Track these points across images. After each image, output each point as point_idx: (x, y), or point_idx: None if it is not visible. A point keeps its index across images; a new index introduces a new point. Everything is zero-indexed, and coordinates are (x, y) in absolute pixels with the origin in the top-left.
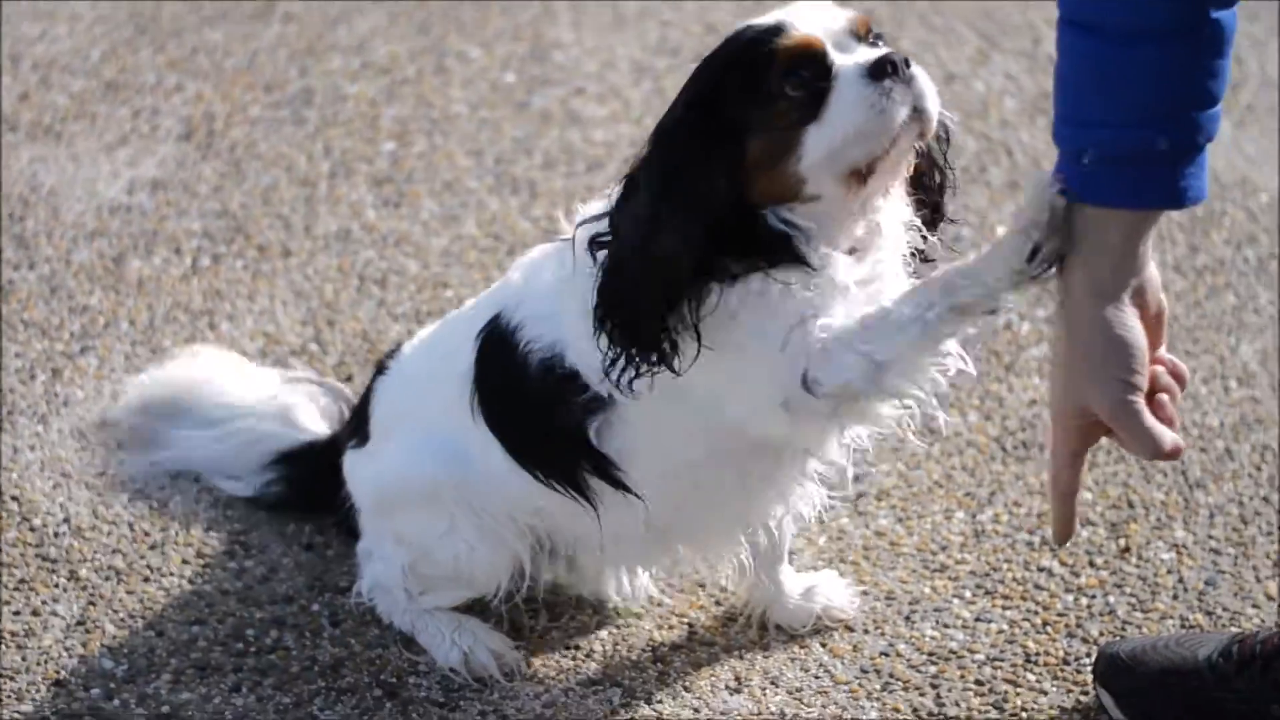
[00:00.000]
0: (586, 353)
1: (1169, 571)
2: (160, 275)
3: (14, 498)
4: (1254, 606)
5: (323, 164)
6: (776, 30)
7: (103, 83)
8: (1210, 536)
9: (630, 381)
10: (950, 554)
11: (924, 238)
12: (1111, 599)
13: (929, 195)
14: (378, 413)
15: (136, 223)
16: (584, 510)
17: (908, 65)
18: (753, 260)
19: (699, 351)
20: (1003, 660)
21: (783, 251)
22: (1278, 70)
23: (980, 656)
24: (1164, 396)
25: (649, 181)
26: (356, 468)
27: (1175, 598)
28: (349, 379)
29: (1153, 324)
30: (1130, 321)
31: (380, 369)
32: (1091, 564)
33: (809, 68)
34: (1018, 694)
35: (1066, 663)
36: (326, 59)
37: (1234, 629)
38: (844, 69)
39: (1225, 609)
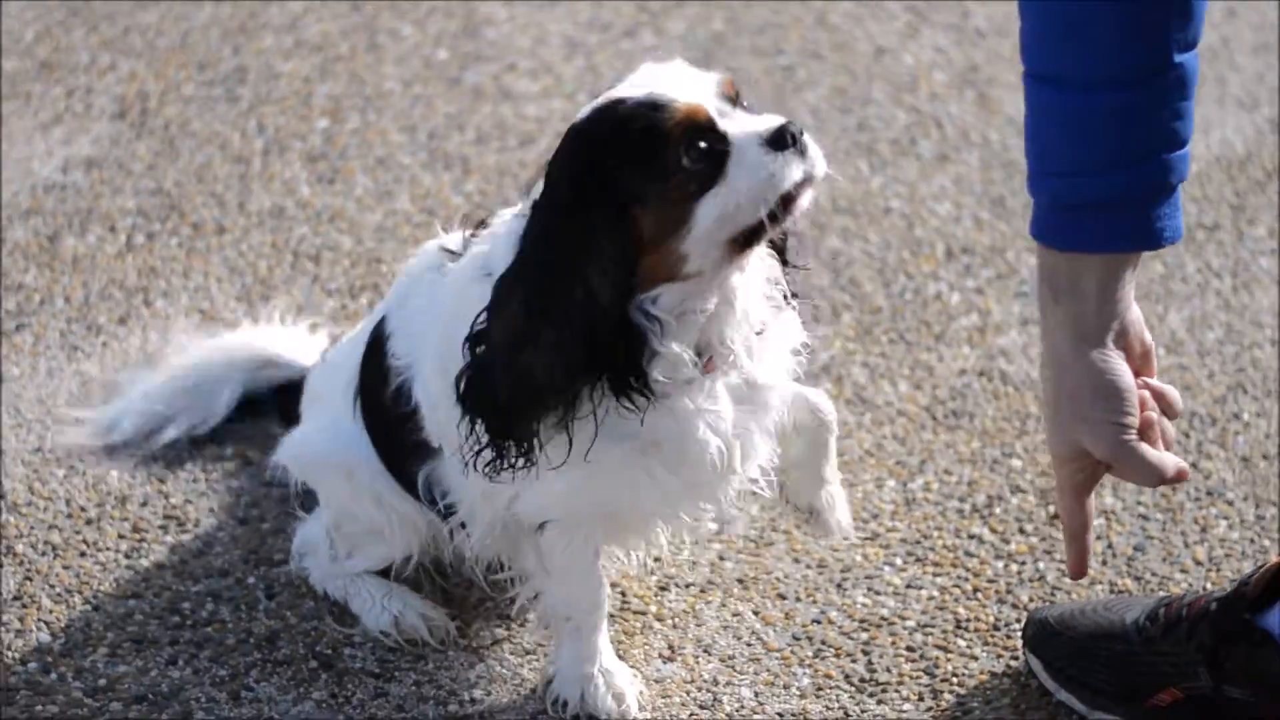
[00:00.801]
0: (428, 401)
1: (1098, 538)
2: (95, 253)
3: None
4: (1182, 571)
5: (256, 141)
6: (661, 104)
7: (36, 62)
8: (1139, 503)
9: (490, 469)
10: (881, 522)
11: (784, 289)
12: (1041, 565)
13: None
14: (305, 390)
15: (71, 201)
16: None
17: (802, 134)
18: (599, 375)
19: (570, 451)
20: (933, 626)
21: (633, 357)
22: (1213, 42)
23: (911, 623)
24: (1155, 417)
25: (525, 284)
26: (287, 438)
27: (1104, 563)
28: None
29: (1139, 361)
30: (1116, 365)
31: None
32: (1021, 531)
33: (705, 139)
34: (948, 659)
35: (997, 628)
36: (259, 37)
37: (1161, 593)
38: (740, 138)
39: (1154, 574)
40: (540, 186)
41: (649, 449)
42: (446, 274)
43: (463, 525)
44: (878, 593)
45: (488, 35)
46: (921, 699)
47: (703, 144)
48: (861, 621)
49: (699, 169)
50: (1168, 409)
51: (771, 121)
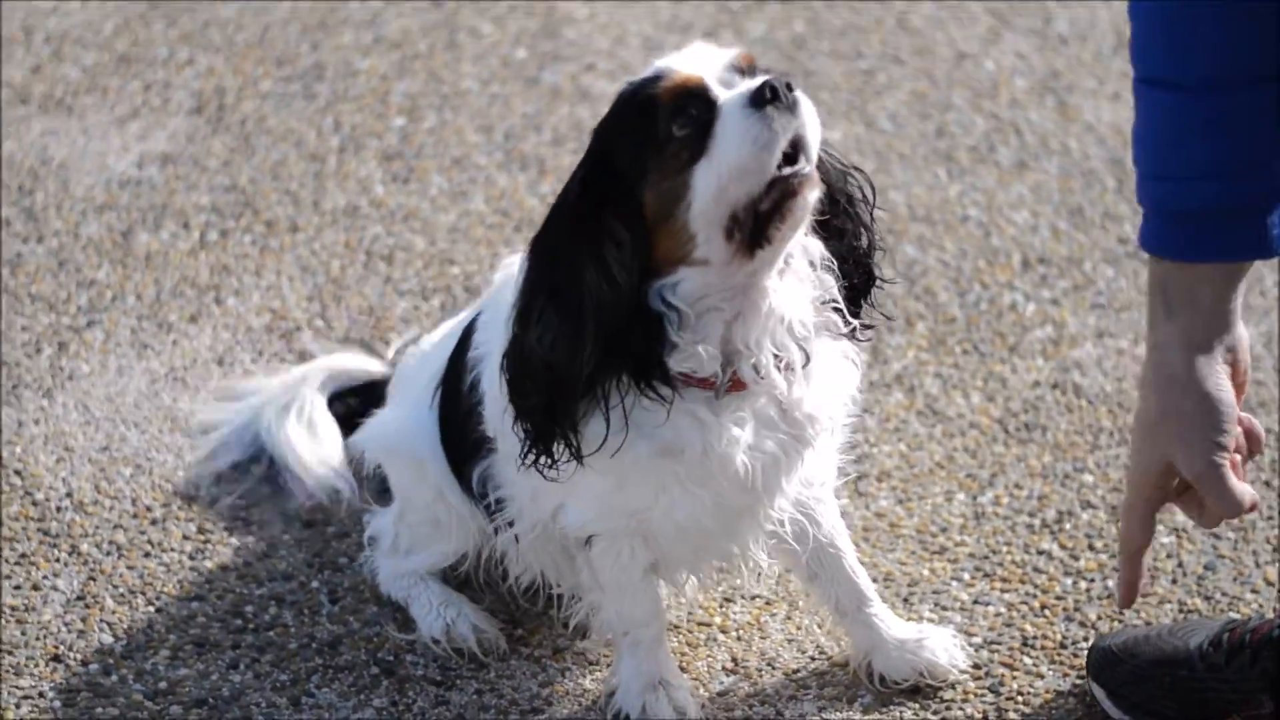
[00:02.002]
0: (490, 391)
1: (1169, 556)
2: (168, 250)
3: (17, 472)
4: (1253, 592)
5: (332, 139)
6: (658, 76)
7: (115, 56)
8: None
9: (545, 467)
10: (950, 536)
11: (843, 315)
12: (1111, 582)
13: (853, 261)
14: (394, 377)
15: (145, 196)
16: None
17: (790, 90)
18: (623, 365)
19: (602, 444)
20: (1000, 643)
21: (650, 345)
22: None
23: (978, 639)
24: (1236, 456)
25: (540, 265)
26: (369, 420)
27: (1174, 582)
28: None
29: (1238, 383)
30: (1223, 380)
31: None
32: (1091, 547)
33: (695, 105)
34: (1014, 677)
35: (1064, 646)
36: (338, 34)
37: (1227, 616)
38: (727, 100)
39: (1224, 594)
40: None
41: (673, 453)
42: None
43: (510, 525)
44: (944, 608)
45: (567, 35)
46: (986, 717)
47: (692, 110)
48: (930, 615)
49: (688, 135)
50: (1252, 442)
51: (757, 80)
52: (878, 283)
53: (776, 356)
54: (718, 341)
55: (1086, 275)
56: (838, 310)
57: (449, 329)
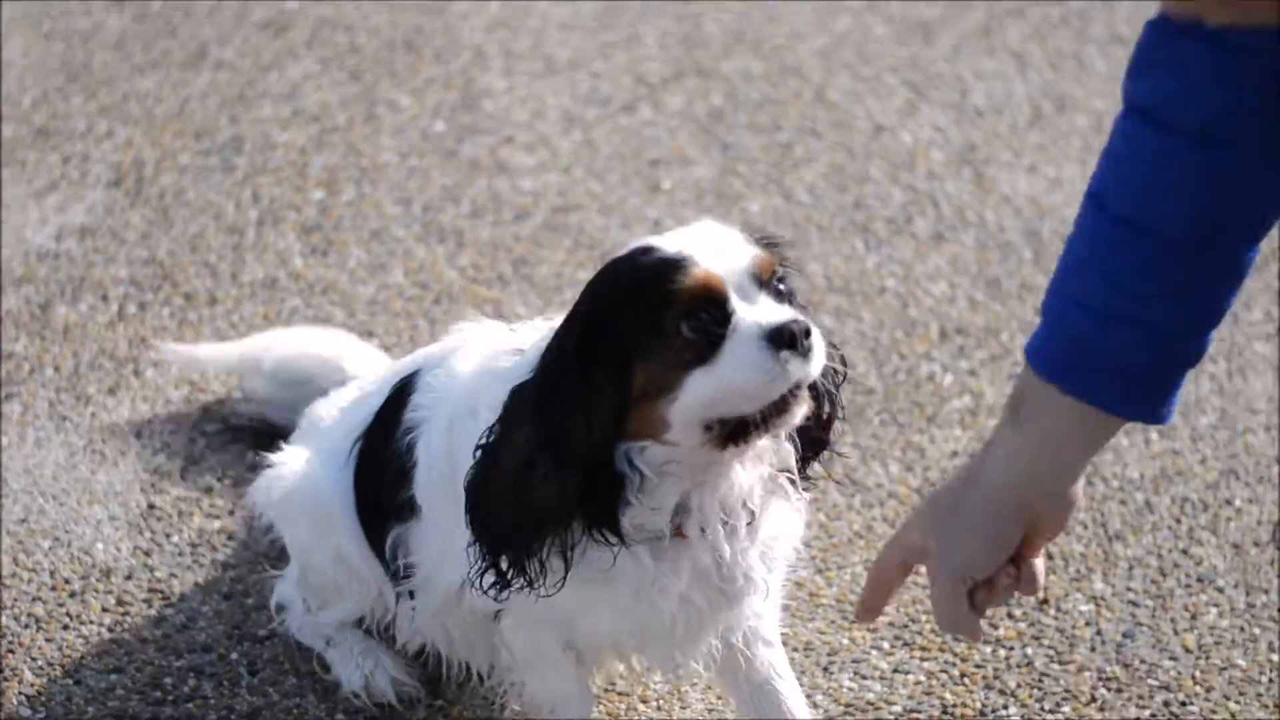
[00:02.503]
0: (426, 458)
1: (1087, 624)
2: (86, 322)
3: None
4: (1171, 659)
5: (250, 211)
6: (680, 264)
7: (33, 129)
8: (1129, 589)
9: (495, 592)
10: None
11: (794, 477)
12: (1029, 650)
13: (812, 430)
14: (303, 425)
15: (64, 269)
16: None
17: (808, 336)
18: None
19: (565, 578)
20: (920, 712)
21: (608, 501)
22: None
23: (898, 708)
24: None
25: (534, 410)
26: (267, 471)
27: (1093, 649)
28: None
29: (1042, 533)
30: (1014, 534)
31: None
32: (1010, 616)
33: (710, 311)
34: None
35: (984, 714)
36: (256, 106)
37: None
38: (743, 323)
39: (1143, 661)
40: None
41: (607, 584)
42: (491, 358)
43: (411, 595)
44: (864, 677)
45: (485, 108)
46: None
47: (706, 316)
48: (847, 706)
49: (696, 340)
50: (1026, 588)
51: (780, 315)
52: (830, 453)
53: (724, 520)
54: (672, 504)
55: (1004, 345)
56: (791, 480)
57: (373, 381)
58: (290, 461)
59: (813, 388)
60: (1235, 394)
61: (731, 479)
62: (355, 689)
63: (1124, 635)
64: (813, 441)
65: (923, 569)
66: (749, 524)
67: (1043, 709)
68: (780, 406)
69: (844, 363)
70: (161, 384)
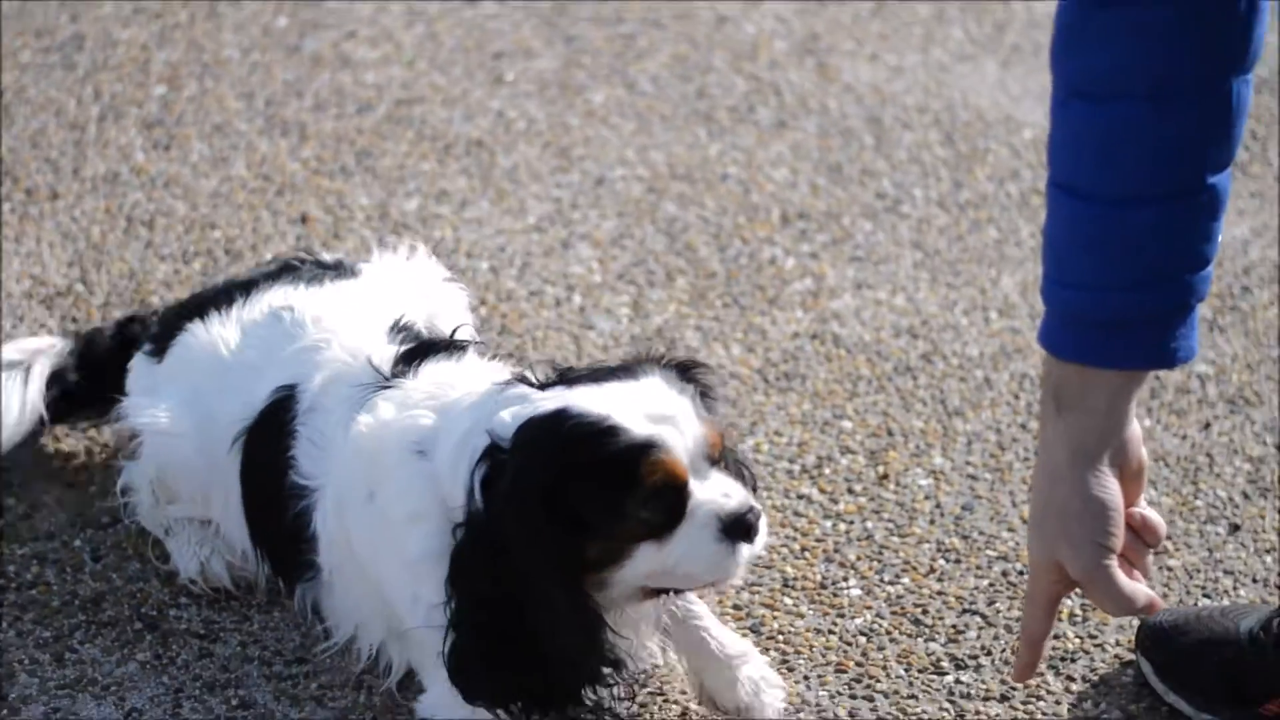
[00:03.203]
0: (326, 536)
1: (926, 497)
2: None
3: None
4: (1009, 530)
5: (92, 108)
6: (647, 451)
7: None
8: (968, 463)
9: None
10: None
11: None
12: (869, 524)
13: None
14: (178, 350)
15: None
16: None
17: (758, 519)
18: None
19: None
20: (760, 585)
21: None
22: (1041, 11)
23: (737, 581)
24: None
25: (485, 604)
26: (140, 373)
27: (932, 523)
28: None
29: (1131, 479)
30: (1108, 483)
31: (206, 301)
32: (850, 491)
33: (670, 495)
34: (774, 617)
35: (824, 586)
36: (97, 5)
37: (1274, 603)
38: (700, 508)
39: (981, 533)
40: (502, 460)
41: None
42: (374, 413)
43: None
44: None
45: (327, 3)
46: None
47: (665, 499)
48: None
49: (654, 520)
50: (1149, 536)
51: (735, 502)
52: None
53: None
54: None
55: (845, 229)
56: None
57: (233, 336)
58: (160, 388)
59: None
60: None
61: (647, 609)
62: (192, 575)
63: (963, 508)
64: None
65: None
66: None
67: (882, 580)
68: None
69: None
70: (3, 279)
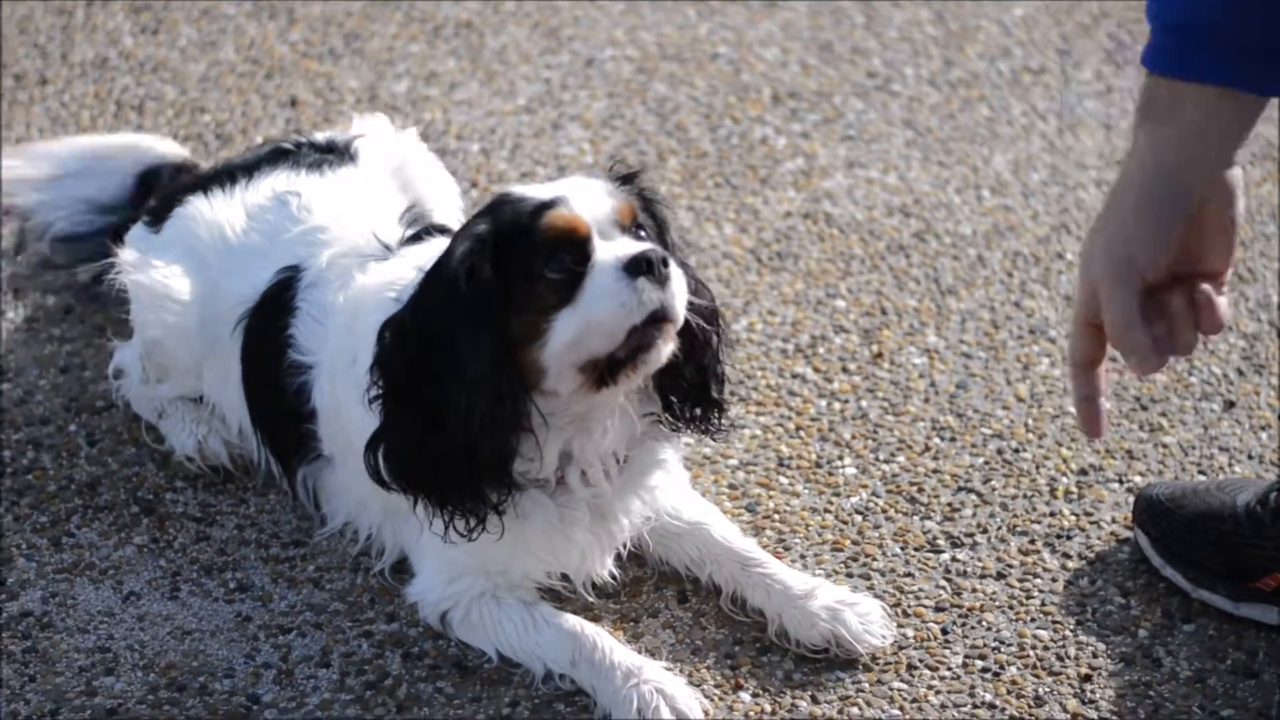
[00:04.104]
0: (323, 408)
1: (921, 376)
2: None
3: None
4: (1004, 408)
5: None
6: (546, 208)
7: None
8: (962, 341)
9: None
10: None
11: (669, 425)
12: (864, 403)
13: (689, 378)
14: (178, 222)
15: None
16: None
17: (665, 265)
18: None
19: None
20: (756, 464)
21: (505, 452)
22: None
23: (734, 461)
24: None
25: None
26: (136, 239)
27: (927, 401)
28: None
29: (1215, 234)
30: (1173, 209)
31: (207, 178)
32: (845, 370)
33: (572, 253)
34: (770, 496)
35: (819, 465)
36: None
37: (1278, 477)
38: (601, 260)
39: (976, 410)
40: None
41: (520, 523)
42: (366, 276)
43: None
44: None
45: None
46: (745, 535)
47: (568, 258)
48: (685, 460)
49: (559, 281)
50: (1207, 319)
51: (635, 247)
52: (716, 408)
53: (604, 467)
54: (556, 454)
55: (836, 108)
56: (663, 422)
57: (237, 215)
58: (160, 244)
59: (692, 347)
60: (1066, 150)
61: (607, 427)
62: (189, 453)
63: (957, 386)
64: (692, 392)
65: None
66: (621, 470)
67: (877, 459)
68: (644, 343)
69: (721, 322)
70: None
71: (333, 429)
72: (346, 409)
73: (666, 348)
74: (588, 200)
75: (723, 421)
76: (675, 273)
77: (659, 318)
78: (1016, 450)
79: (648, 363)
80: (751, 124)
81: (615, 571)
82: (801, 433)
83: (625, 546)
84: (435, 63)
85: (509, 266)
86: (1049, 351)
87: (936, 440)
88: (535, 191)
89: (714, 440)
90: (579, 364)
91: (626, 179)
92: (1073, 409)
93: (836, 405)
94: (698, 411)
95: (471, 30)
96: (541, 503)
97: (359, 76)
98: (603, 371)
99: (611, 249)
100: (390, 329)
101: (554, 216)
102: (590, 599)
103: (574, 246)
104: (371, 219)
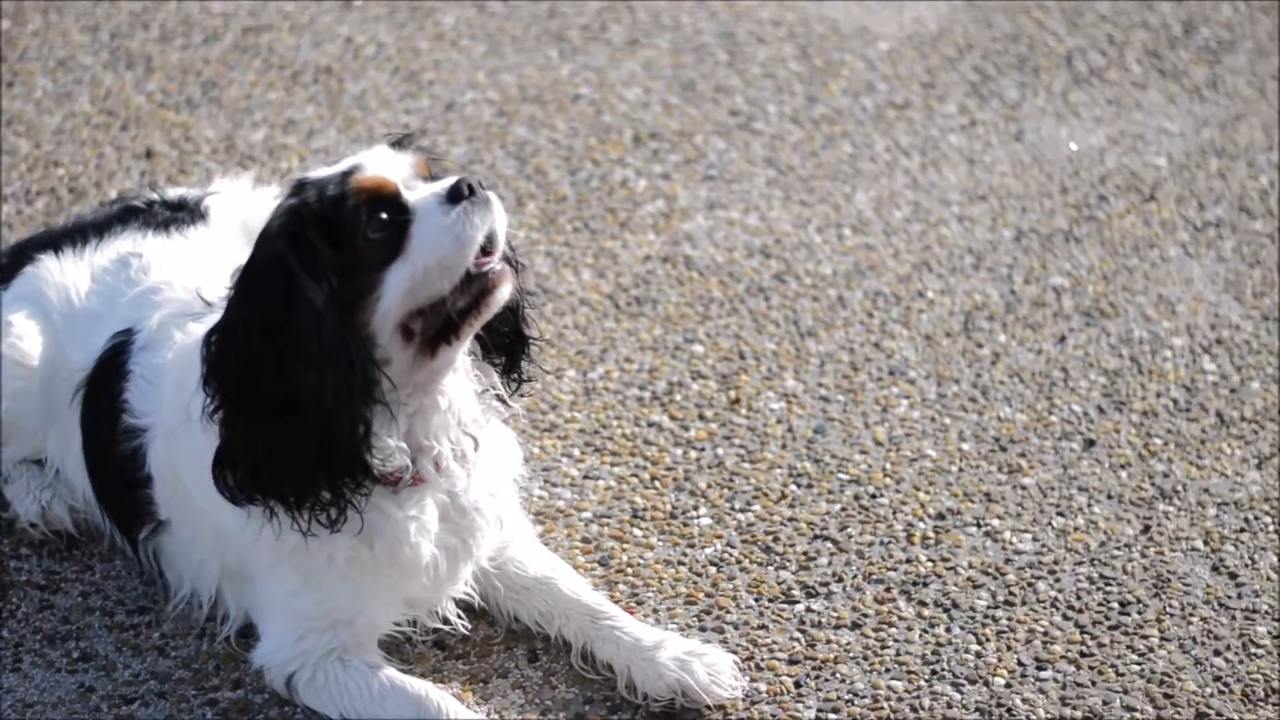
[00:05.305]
0: (159, 474)
1: (778, 421)
2: None
3: None
4: (861, 453)
5: None
6: (349, 174)
7: None
8: (820, 384)
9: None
10: (560, 413)
11: (504, 400)
12: (720, 451)
13: (506, 334)
14: (28, 279)
15: None
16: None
17: (482, 186)
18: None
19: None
20: (610, 517)
21: (359, 441)
22: None
23: (588, 514)
24: None
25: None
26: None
27: (784, 447)
28: None
29: None
30: None
31: (59, 235)
32: (701, 417)
33: (387, 209)
34: (624, 549)
35: (674, 516)
36: None
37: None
38: (420, 202)
39: (834, 455)
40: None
41: (369, 543)
42: (185, 331)
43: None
44: (555, 485)
45: None
46: (597, 589)
47: (384, 215)
48: (538, 515)
49: (382, 238)
50: None
51: (448, 182)
52: (529, 343)
53: (453, 450)
54: (402, 436)
55: (698, 148)
56: (499, 398)
57: (94, 284)
58: (20, 339)
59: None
60: (929, 186)
61: (450, 399)
62: (32, 519)
63: (815, 431)
64: (510, 342)
65: None
66: (475, 451)
67: (733, 508)
68: (486, 285)
69: (522, 293)
70: None
71: (169, 492)
72: (183, 468)
73: (508, 287)
74: (384, 162)
75: (532, 363)
76: (492, 196)
77: (492, 242)
78: (874, 495)
79: (492, 305)
80: (612, 166)
81: (466, 627)
82: (657, 483)
83: (473, 589)
84: (293, 110)
85: (328, 239)
86: (908, 393)
87: (793, 487)
88: (331, 168)
89: (523, 390)
90: (419, 309)
91: (402, 142)
92: (931, 451)
93: (693, 454)
94: (512, 358)
95: (331, 76)
96: (390, 515)
97: (216, 126)
98: (443, 325)
99: (425, 190)
100: (216, 333)
101: (361, 179)
102: (443, 629)
103: (387, 202)
104: (211, 277)
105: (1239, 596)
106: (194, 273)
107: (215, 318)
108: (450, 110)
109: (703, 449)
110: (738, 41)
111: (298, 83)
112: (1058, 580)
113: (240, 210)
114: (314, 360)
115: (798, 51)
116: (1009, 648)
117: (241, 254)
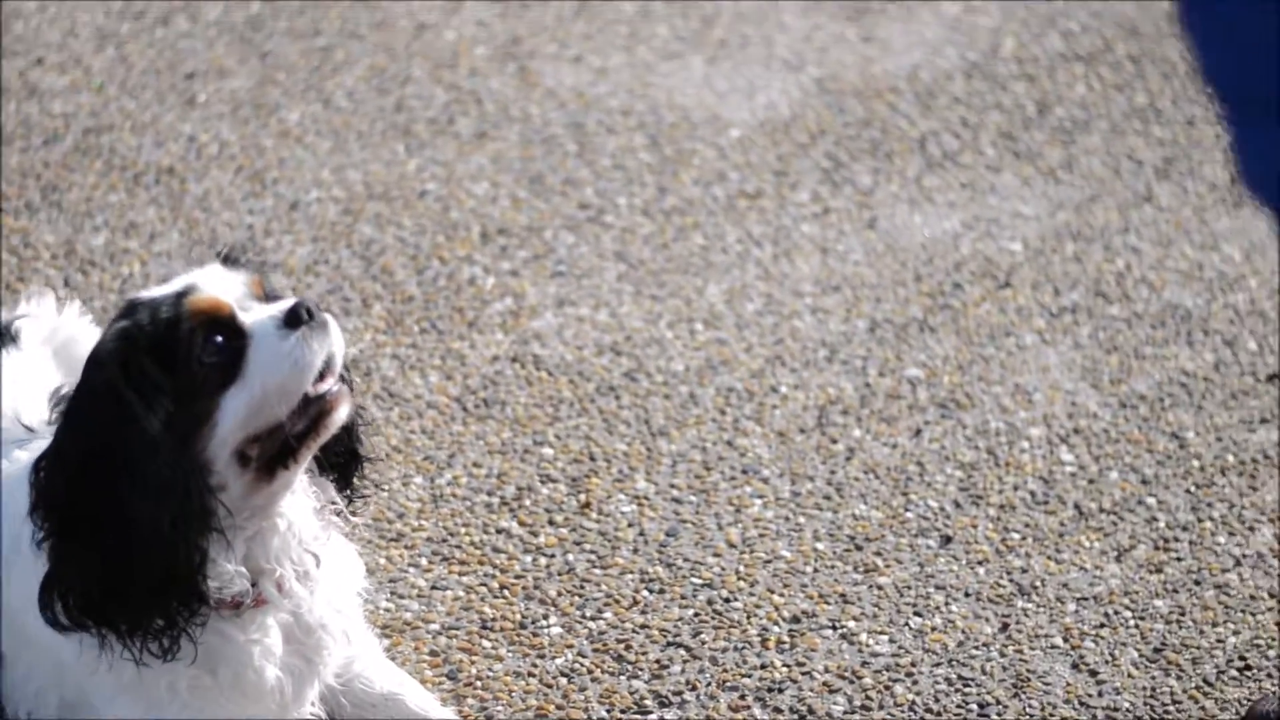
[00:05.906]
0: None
1: (630, 524)
2: None
3: None
4: (715, 555)
5: None
6: (184, 294)
7: None
8: (672, 485)
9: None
10: (407, 521)
11: (342, 515)
12: (570, 557)
13: (340, 451)
14: None
15: None
16: None
17: (319, 309)
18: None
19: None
20: (458, 629)
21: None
22: (762, 3)
23: (435, 625)
24: None
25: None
26: None
27: (636, 551)
28: None
29: None
30: None
31: None
32: (551, 522)
33: (222, 332)
34: (472, 662)
35: (523, 626)
36: None
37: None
38: (257, 324)
39: (686, 559)
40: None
41: (210, 669)
42: (10, 460)
43: None
44: (401, 596)
45: (15, 29)
46: (445, 704)
47: (220, 338)
48: (384, 628)
49: (218, 362)
50: None
51: (285, 305)
52: (364, 461)
53: (295, 570)
54: (241, 560)
55: (546, 243)
56: (339, 512)
57: None
58: None
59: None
60: (781, 277)
61: (288, 518)
62: None
63: (667, 534)
64: (345, 461)
65: None
66: (317, 568)
67: (584, 615)
68: (323, 408)
69: (360, 410)
70: None
71: (4, 624)
72: (18, 601)
73: (345, 408)
74: (218, 282)
75: (366, 476)
76: (329, 318)
77: (329, 365)
78: (727, 600)
79: (329, 426)
80: (460, 264)
81: None
82: (506, 592)
83: (319, 709)
84: (135, 212)
85: (161, 363)
86: (761, 492)
87: (645, 593)
88: (163, 288)
89: (358, 506)
90: (256, 435)
91: (235, 259)
92: (786, 551)
93: (543, 560)
94: (345, 475)
95: (174, 176)
96: (232, 640)
97: (56, 231)
98: (280, 449)
99: (261, 313)
100: (45, 460)
101: (195, 301)
102: None
103: (223, 325)
104: (29, 402)
105: (1099, 694)
106: (11, 398)
107: (42, 444)
108: (295, 209)
109: (553, 555)
110: (587, 132)
111: (139, 184)
112: (915, 683)
113: (52, 331)
114: (149, 489)
115: (648, 141)
116: None
117: (56, 377)
